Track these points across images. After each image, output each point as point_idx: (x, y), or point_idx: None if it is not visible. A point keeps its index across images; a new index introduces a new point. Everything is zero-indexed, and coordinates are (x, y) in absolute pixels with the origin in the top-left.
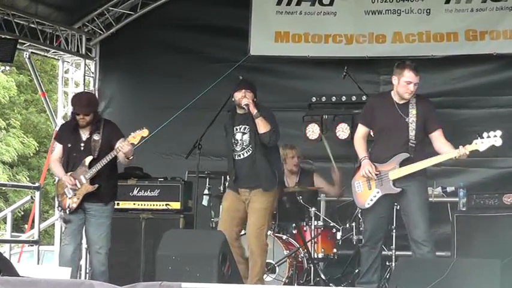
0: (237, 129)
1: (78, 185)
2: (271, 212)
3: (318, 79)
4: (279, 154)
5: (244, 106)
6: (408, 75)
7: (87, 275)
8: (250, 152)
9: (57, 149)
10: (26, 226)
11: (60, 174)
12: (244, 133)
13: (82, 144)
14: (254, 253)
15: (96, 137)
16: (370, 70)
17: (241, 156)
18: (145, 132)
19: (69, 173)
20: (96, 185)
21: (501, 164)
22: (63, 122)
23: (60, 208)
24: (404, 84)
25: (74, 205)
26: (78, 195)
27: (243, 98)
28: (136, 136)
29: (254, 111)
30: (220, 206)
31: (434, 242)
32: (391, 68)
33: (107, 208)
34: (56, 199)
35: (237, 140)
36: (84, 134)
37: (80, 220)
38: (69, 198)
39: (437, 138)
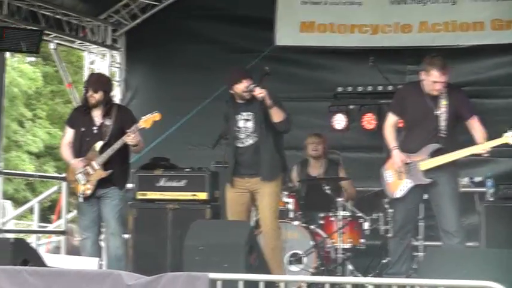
0: (239, 117)
1: (91, 171)
2: (279, 198)
3: (344, 69)
4: (283, 141)
5: (259, 97)
6: (435, 75)
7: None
8: (255, 139)
9: (68, 133)
10: (53, 216)
11: (69, 159)
12: (247, 120)
13: (95, 128)
14: (271, 238)
15: (107, 122)
16: (396, 60)
17: (245, 144)
18: (157, 116)
19: (79, 158)
20: (110, 171)
21: None
22: None
23: (74, 194)
24: (431, 83)
25: (89, 192)
26: (91, 182)
27: (247, 87)
28: (148, 120)
29: (269, 101)
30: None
31: (464, 233)
32: (417, 57)
33: (121, 191)
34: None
35: (239, 128)
36: (97, 118)
37: (94, 212)
38: (83, 184)
39: (471, 125)
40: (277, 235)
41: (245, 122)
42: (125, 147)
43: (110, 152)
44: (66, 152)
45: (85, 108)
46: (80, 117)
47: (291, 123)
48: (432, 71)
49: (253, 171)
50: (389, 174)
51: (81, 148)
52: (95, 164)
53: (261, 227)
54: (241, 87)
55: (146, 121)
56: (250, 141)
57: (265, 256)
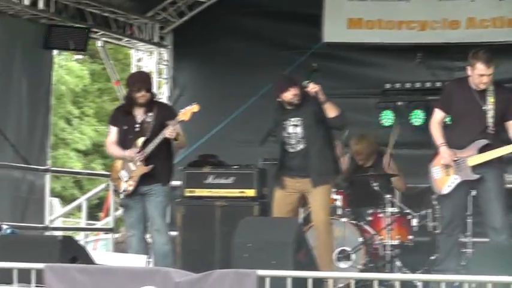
0: (288, 123)
1: (133, 167)
2: (331, 195)
3: (392, 66)
4: (334, 144)
5: (313, 93)
6: (480, 68)
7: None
8: (305, 145)
9: (113, 132)
10: (101, 214)
11: (120, 153)
12: (296, 125)
13: (137, 126)
14: (323, 233)
15: (149, 118)
16: (443, 56)
17: (296, 149)
18: (195, 107)
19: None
20: (151, 166)
21: None
22: None
23: (116, 193)
24: (477, 77)
25: (131, 188)
26: (134, 178)
27: (294, 96)
28: (187, 112)
29: (322, 96)
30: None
31: (510, 229)
32: (464, 54)
33: (165, 188)
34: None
35: (289, 133)
36: (139, 115)
37: (139, 209)
38: (125, 181)
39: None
40: (329, 230)
41: (294, 128)
42: (168, 143)
43: (151, 146)
44: (114, 148)
45: (128, 108)
46: (121, 116)
47: (346, 119)
48: (477, 64)
49: (304, 173)
50: (436, 171)
51: (124, 146)
52: (137, 160)
53: (313, 222)
54: (289, 95)
55: (185, 113)
56: (300, 146)
57: (316, 252)
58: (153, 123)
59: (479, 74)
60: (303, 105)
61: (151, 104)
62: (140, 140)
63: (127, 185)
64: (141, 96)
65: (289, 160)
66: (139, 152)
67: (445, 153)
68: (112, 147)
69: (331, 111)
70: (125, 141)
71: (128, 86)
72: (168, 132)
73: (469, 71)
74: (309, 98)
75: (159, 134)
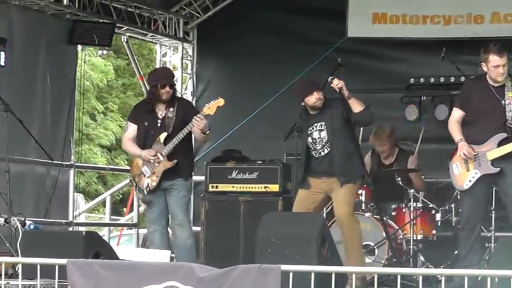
0: (313, 128)
1: (160, 158)
2: (356, 193)
3: (416, 60)
4: (358, 145)
5: (337, 89)
6: (493, 59)
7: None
8: (330, 148)
9: (131, 128)
10: (125, 209)
11: (137, 151)
12: (321, 130)
13: (159, 121)
14: (345, 224)
15: (170, 114)
16: (468, 51)
17: (322, 154)
18: (220, 101)
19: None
20: (175, 161)
21: None
22: None
23: (138, 189)
24: (493, 69)
25: (154, 183)
26: (157, 173)
27: (318, 100)
28: (212, 106)
29: (347, 92)
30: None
31: None
32: None
33: (187, 183)
34: (133, 181)
35: (315, 139)
36: (161, 111)
37: (161, 204)
38: (148, 177)
39: None
40: (353, 224)
41: (319, 133)
42: (189, 138)
43: (175, 141)
44: (131, 145)
45: (150, 104)
46: (142, 112)
47: (372, 113)
48: (490, 57)
49: (330, 174)
50: (456, 167)
51: (145, 142)
52: (160, 156)
53: (337, 218)
54: (312, 99)
55: (210, 107)
56: (326, 151)
57: (344, 247)
58: (175, 119)
59: (494, 65)
60: (327, 109)
61: (173, 99)
62: (162, 136)
63: (150, 180)
64: (165, 92)
65: (315, 165)
66: (155, 154)
67: (463, 147)
68: (128, 144)
69: (356, 106)
70: (146, 137)
71: (151, 82)
72: (197, 123)
73: (484, 67)
74: (332, 100)
75: (183, 128)
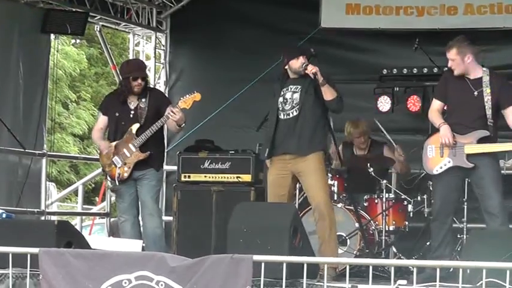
0: (287, 89)
1: (128, 154)
2: (326, 173)
3: (389, 51)
4: (328, 121)
5: (311, 74)
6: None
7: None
8: (298, 112)
9: (100, 119)
10: (97, 199)
11: (97, 142)
12: (295, 92)
13: (132, 112)
14: (323, 214)
15: (142, 104)
16: (441, 42)
17: (290, 116)
18: (197, 96)
19: (114, 143)
20: (148, 153)
21: None
22: None
23: (109, 179)
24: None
25: (126, 174)
26: (128, 164)
27: (302, 65)
28: (188, 100)
29: (321, 78)
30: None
31: (507, 215)
32: None
33: (158, 173)
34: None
35: (286, 99)
36: (132, 102)
37: (132, 194)
38: (119, 167)
39: (509, 114)
40: (330, 211)
41: (292, 94)
42: (161, 129)
43: (148, 133)
44: (96, 136)
45: (121, 95)
46: (114, 102)
47: (342, 103)
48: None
49: (292, 146)
50: (431, 149)
51: (116, 132)
52: (132, 147)
53: (313, 205)
54: (298, 63)
55: (186, 101)
56: (294, 113)
57: (319, 234)
58: (147, 110)
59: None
60: (307, 77)
61: (145, 90)
62: (135, 127)
63: (121, 171)
64: (137, 85)
65: (280, 130)
66: (127, 143)
67: (446, 131)
68: (95, 134)
69: (328, 94)
70: (117, 128)
71: (123, 74)
72: (172, 116)
73: None
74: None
75: (154, 121)
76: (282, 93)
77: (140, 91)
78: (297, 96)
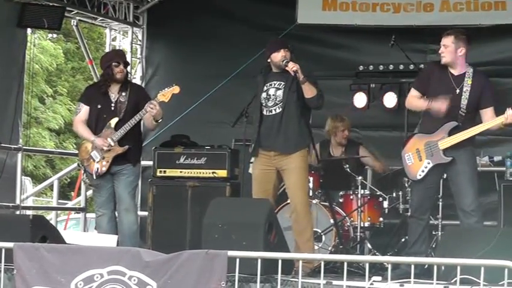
0: (271, 85)
1: (112, 144)
2: (308, 172)
3: (365, 48)
4: (309, 117)
5: (292, 72)
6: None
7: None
8: (281, 109)
9: (83, 110)
10: (73, 193)
11: (90, 137)
12: (278, 89)
13: (113, 105)
14: (301, 214)
15: (122, 98)
16: (417, 39)
17: (272, 112)
18: (176, 89)
19: (98, 136)
20: (126, 147)
21: None
22: None
23: (86, 173)
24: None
25: (104, 169)
26: (107, 159)
27: (283, 58)
28: (167, 94)
29: (301, 76)
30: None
31: (482, 212)
32: (438, 36)
33: (135, 168)
34: (81, 165)
35: (269, 95)
36: (113, 94)
37: (110, 189)
38: (97, 162)
39: (487, 113)
40: (308, 212)
41: (276, 91)
42: (138, 124)
43: (126, 127)
44: (83, 129)
45: (103, 85)
46: (95, 94)
47: (322, 100)
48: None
49: (278, 145)
50: (409, 157)
51: (97, 125)
52: (111, 141)
53: (291, 205)
54: (279, 56)
55: (165, 95)
56: (278, 110)
57: (296, 233)
58: (127, 104)
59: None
60: (290, 73)
61: (126, 82)
62: (113, 121)
63: (100, 165)
64: (120, 71)
65: (265, 127)
66: (108, 143)
67: (437, 103)
68: (80, 126)
69: (308, 91)
70: (98, 121)
71: (105, 63)
72: (150, 110)
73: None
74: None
75: (133, 115)
76: (266, 88)
77: (122, 78)
78: (280, 93)
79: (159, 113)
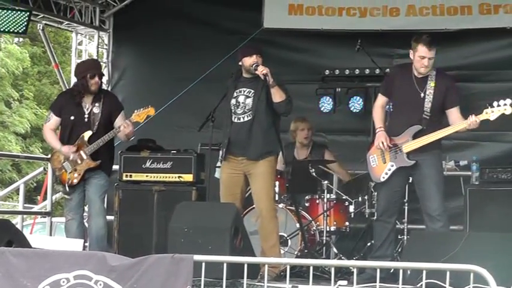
0: (240, 92)
1: (79, 161)
2: (275, 178)
3: (331, 52)
4: (279, 125)
5: (261, 75)
6: (422, 50)
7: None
8: (251, 117)
9: (53, 120)
10: (39, 197)
11: (57, 146)
12: (248, 96)
13: (86, 117)
14: (266, 219)
15: (96, 109)
16: (383, 43)
17: (241, 120)
18: (151, 110)
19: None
20: (99, 162)
21: None
22: None
23: (58, 182)
24: (418, 59)
25: (75, 181)
26: (79, 171)
27: (254, 63)
28: (141, 114)
29: (271, 80)
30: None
31: (448, 217)
32: (404, 41)
33: (106, 175)
34: (54, 173)
35: (239, 103)
36: (87, 105)
37: (81, 193)
38: (69, 173)
39: (453, 113)
40: (273, 217)
41: (245, 98)
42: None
43: (100, 143)
44: (52, 138)
45: (77, 95)
46: (68, 104)
47: (291, 105)
48: (419, 47)
49: (243, 150)
50: (373, 159)
51: (70, 137)
52: (83, 154)
53: (257, 210)
54: (250, 61)
55: (140, 115)
56: (246, 118)
57: (262, 238)
58: (100, 116)
59: (420, 56)
60: (259, 80)
61: (99, 93)
62: (87, 134)
63: (71, 177)
64: (94, 83)
65: (234, 132)
66: (77, 150)
67: (380, 137)
68: (49, 135)
69: (277, 96)
70: (71, 133)
71: (80, 74)
72: (123, 129)
73: (411, 55)
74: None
75: (106, 127)
76: (235, 94)
77: (97, 90)
78: (249, 101)
79: (132, 132)
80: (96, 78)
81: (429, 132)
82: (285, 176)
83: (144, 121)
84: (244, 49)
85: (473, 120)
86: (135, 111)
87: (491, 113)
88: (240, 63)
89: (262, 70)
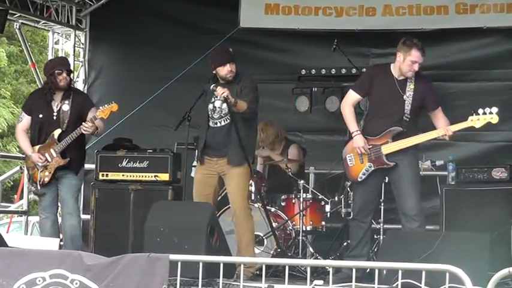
0: (216, 97)
1: (49, 159)
2: (249, 181)
3: (308, 52)
4: (255, 130)
5: (222, 98)
6: (416, 55)
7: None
8: (227, 121)
9: (25, 119)
10: (15, 196)
11: (27, 150)
12: (224, 101)
13: (55, 115)
14: (240, 218)
15: (65, 107)
16: (359, 43)
17: (218, 125)
18: (114, 106)
19: (37, 147)
20: (68, 159)
21: (490, 137)
22: None
23: (31, 181)
24: (409, 64)
25: (47, 179)
26: (49, 169)
27: (229, 72)
28: (105, 110)
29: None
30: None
31: (424, 217)
32: (380, 41)
33: (77, 176)
34: (27, 173)
35: (215, 107)
36: (56, 103)
37: (54, 192)
38: (41, 171)
39: (437, 114)
40: (247, 215)
41: (221, 103)
42: (81, 134)
43: (68, 140)
44: (23, 140)
45: (47, 93)
46: (38, 103)
47: (255, 106)
48: (412, 51)
49: (222, 153)
50: (350, 158)
51: (39, 135)
52: (53, 152)
53: (232, 209)
54: (224, 70)
55: (103, 111)
56: (223, 123)
57: (237, 237)
58: (70, 114)
59: (412, 60)
60: (235, 84)
61: (69, 89)
62: (57, 132)
63: (43, 175)
64: (63, 78)
65: (210, 136)
66: (44, 160)
67: (359, 141)
68: (21, 137)
69: (240, 109)
70: (40, 131)
71: (48, 71)
72: (86, 129)
73: (400, 57)
74: (244, 78)
75: (76, 124)
76: (212, 99)
77: (66, 86)
78: (225, 106)
79: (101, 129)
80: (64, 74)
81: (408, 134)
82: (261, 175)
83: (108, 117)
84: (215, 57)
85: (449, 134)
86: (100, 107)
87: (476, 121)
88: (214, 71)
89: (222, 92)
